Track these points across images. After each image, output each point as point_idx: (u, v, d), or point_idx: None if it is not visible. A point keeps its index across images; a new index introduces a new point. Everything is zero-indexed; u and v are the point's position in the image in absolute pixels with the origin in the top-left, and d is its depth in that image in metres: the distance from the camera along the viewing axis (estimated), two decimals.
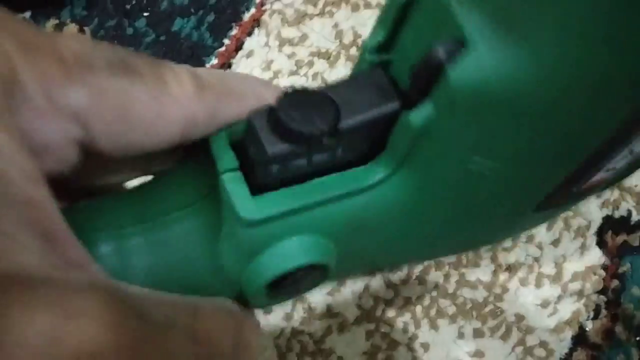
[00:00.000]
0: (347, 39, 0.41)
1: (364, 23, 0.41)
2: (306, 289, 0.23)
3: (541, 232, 0.35)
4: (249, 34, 0.42)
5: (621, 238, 0.35)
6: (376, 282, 0.35)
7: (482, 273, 0.35)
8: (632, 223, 0.35)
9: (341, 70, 0.40)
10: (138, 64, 0.18)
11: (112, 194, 0.22)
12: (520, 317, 0.34)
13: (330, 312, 0.35)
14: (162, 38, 0.42)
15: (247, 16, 0.42)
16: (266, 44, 0.41)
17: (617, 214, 0.35)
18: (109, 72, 0.17)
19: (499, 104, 0.17)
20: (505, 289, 0.34)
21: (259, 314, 0.36)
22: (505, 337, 0.33)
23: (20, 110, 0.16)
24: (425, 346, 0.34)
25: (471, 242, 0.29)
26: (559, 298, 0.34)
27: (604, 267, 0.34)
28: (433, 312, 0.34)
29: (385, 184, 0.20)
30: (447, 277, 0.35)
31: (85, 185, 0.21)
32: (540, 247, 0.35)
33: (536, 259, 0.35)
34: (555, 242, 0.35)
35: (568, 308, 0.34)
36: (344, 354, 0.34)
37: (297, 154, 0.19)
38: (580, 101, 0.18)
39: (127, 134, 0.18)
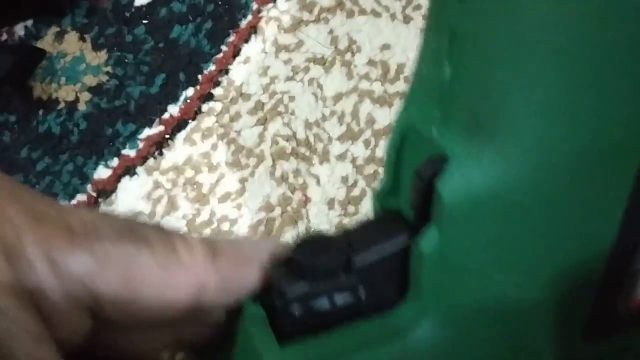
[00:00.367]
0: (342, 44, 0.41)
1: (359, 29, 0.42)
2: None
3: None
4: (246, 40, 0.42)
5: None
6: None
7: None
8: None
9: (336, 76, 0.41)
10: (148, 232, 0.19)
11: None
12: None
13: None
14: (161, 45, 0.43)
15: (244, 23, 0.43)
16: (263, 50, 0.42)
17: None
18: (115, 239, 0.18)
19: (493, 211, 0.18)
20: None
21: None
22: None
23: (26, 275, 0.17)
24: None
25: None
26: None
27: None
28: None
29: (417, 329, 0.20)
30: None
31: (114, 355, 0.21)
32: None
33: None
34: None
35: None
36: None
37: (316, 293, 0.19)
38: (572, 190, 0.18)
39: (135, 301, 0.18)
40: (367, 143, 0.40)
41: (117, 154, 0.41)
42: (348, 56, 0.41)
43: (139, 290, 0.18)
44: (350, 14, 0.42)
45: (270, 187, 0.39)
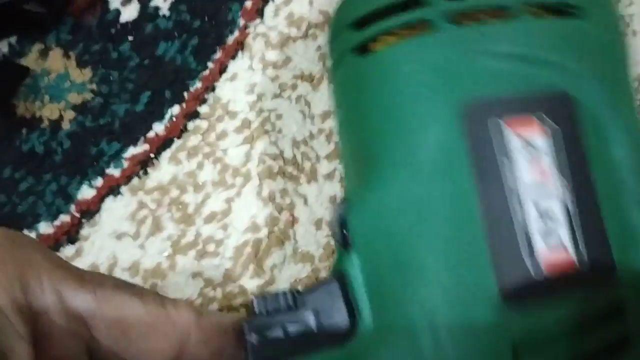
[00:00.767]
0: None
1: None
2: None
3: None
4: (233, 57, 0.42)
5: None
6: None
7: None
8: None
9: (324, 93, 0.40)
10: (143, 289, 0.23)
11: None
12: None
13: None
14: (146, 62, 0.42)
15: (230, 39, 0.42)
16: (250, 67, 0.41)
17: None
18: (115, 288, 0.23)
19: (384, 234, 0.25)
20: None
21: None
22: None
23: (35, 299, 0.20)
24: None
25: None
26: None
27: None
28: None
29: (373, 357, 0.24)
30: None
31: None
32: None
33: None
34: None
35: None
36: None
37: (271, 325, 0.24)
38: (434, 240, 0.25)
39: (125, 342, 0.22)
40: None
41: (102, 173, 0.40)
42: None
43: (129, 332, 0.22)
44: None
45: (257, 207, 0.39)
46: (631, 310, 0.23)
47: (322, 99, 0.40)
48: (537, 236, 0.23)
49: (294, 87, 0.41)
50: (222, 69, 0.41)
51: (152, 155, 0.40)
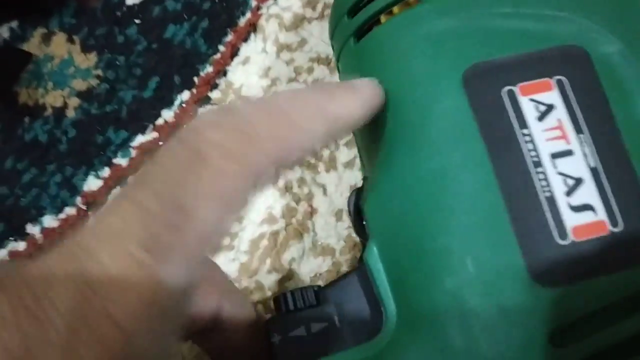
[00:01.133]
0: None
1: None
2: None
3: None
4: (245, 39, 0.40)
5: None
6: None
7: None
8: None
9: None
10: None
11: None
12: None
13: None
14: (154, 46, 0.40)
15: (242, 21, 0.40)
16: (263, 50, 0.39)
17: None
18: None
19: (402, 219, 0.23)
20: None
21: None
22: None
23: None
24: None
25: None
26: None
27: None
28: None
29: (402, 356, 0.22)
30: None
31: None
32: None
33: None
34: None
35: None
36: None
37: (294, 324, 0.23)
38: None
39: None
40: None
41: (109, 163, 0.38)
42: None
43: None
44: None
45: (273, 198, 0.37)
46: None
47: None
48: (564, 204, 0.21)
49: (310, 70, 0.39)
50: (234, 52, 0.39)
51: (161, 143, 0.38)
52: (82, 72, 0.40)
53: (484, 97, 0.22)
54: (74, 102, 0.39)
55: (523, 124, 0.22)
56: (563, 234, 0.21)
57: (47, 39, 0.41)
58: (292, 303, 0.24)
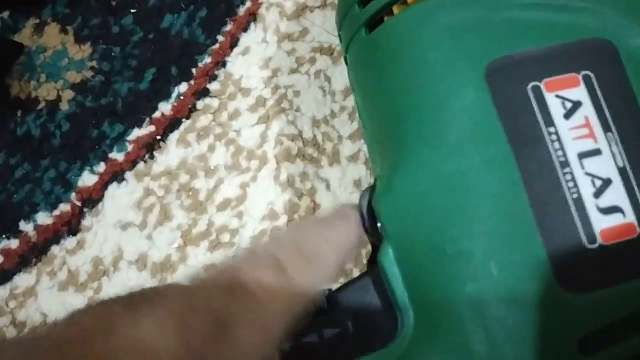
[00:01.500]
0: None
1: None
2: None
3: None
4: (245, 29, 0.38)
5: None
6: None
7: None
8: None
9: (345, 67, 0.37)
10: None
11: None
12: None
13: None
14: (151, 36, 0.38)
15: (242, 10, 0.38)
16: (263, 40, 0.38)
17: None
18: None
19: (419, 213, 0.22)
20: None
21: None
22: None
23: None
24: None
25: None
26: None
27: None
28: None
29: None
30: None
31: None
32: None
33: None
34: None
35: None
36: None
37: (306, 330, 0.22)
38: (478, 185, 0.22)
39: None
40: None
41: (104, 158, 0.37)
42: None
43: None
44: None
45: (275, 193, 0.35)
46: None
47: (344, 73, 0.37)
48: (592, 206, 0.20)
49: (312, 61, 0.37)
50: (233, 43, 0.38)
51: (158, 137, 0.37)
52: (76, 64, 0.39)
53: (508, 93, 0.21)
54: (68, 94, 0.38)
55: (549, 122, 0.21)
56: (591, 237, 0.20)
57: (39, 29, 0.39)
58: None
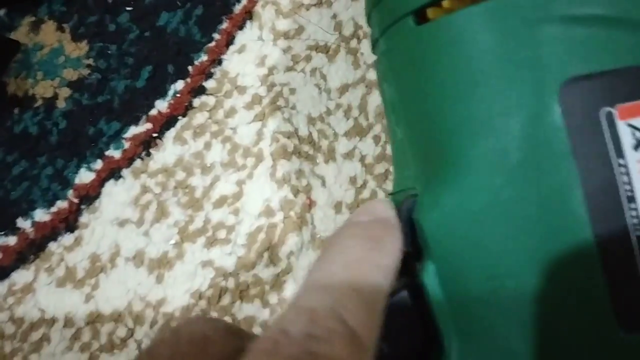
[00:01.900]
0: (347, 30, 0.37)
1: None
2: None
3: None
4: (241, 27, 0.38)
5: None
6: None
7: None
8: None
9: (341, 65, 0.37)
10: (241, 331, 0.21)
11: None
12: None
13: None
14: (147, 34, 0.39)
15: (238, 8, 0.39)
16: (259, 38, 0.38)
17: None
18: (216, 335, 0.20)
19: (468, 228, 0.20)
20: None
21: None
22: None
23: None
24: None
25: None
26: None
27: None
28: None
29: None
30: None
31: None
32: None
33: None
34: None
35: None
36: None
37: None
38: (523, 197, 0.20)
39: None
40: (376, 139, 0.36)
41: (101, 155, 0.37)
42: (354, 43, 0.37)
43: None
44: None
45: (271, 190, 0.36)
46: None
47: (339, 71, 0.37)
48: None
49: (308, 58, 0.37)
50: (230, 41, 0.38)
51: (155, 135, 0.37)
52: (72, 62, 0.39)
53: (580, 116, 0.19)
54: (65, 92, 0.38)
55: (619, 153, 0.19)
56: None
57: (36, 27, 0.40)
58: None
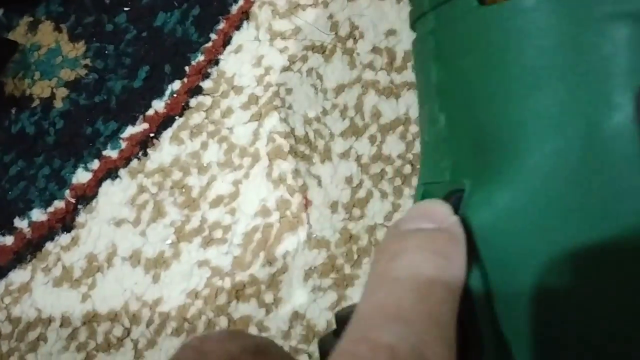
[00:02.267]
0: (344, 30, 0.38)
1: (361, 13, 0.38)
2: None
3: None
4: (238, 27, 0.39)
5: None
6: None
7: None
8: None
9: (337, 65, 0.37)
10: (270, 349, 0.22)
11: None
12: None
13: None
14: (144, 34, 0.39)
15: (234, 8, 0.39)
16: (256, 38, 0.38)
17: None
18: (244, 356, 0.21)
19: (517, 225, 0.19)
20: None
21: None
22: None
23: None
24: None
25: None
26: None
27: None
28: None
29: None
30: None
31: None
32: None
33: None
34: None
35: None
36: None
37: None
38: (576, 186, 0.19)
39: None
40: (372, 139, 0.36)
41: (98, 155, 0.37)
42: (350, 43, 0.37)
43: None
44: None
45: (267, 190, 0.36)
46: None
47: (335, 71, 0.37)
48: None
49: (305, 59, 0.38)
50: (226, 41, 0.38)
51: (152, 135, 0.37)
52: (70, 62, 0.39)
53: None
54: (62, 92, 0.38)
55: None
56: None
57: (33, 27, 0.40)
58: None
